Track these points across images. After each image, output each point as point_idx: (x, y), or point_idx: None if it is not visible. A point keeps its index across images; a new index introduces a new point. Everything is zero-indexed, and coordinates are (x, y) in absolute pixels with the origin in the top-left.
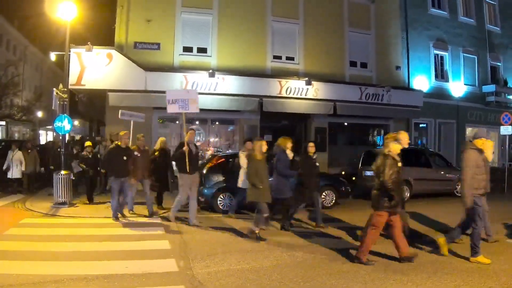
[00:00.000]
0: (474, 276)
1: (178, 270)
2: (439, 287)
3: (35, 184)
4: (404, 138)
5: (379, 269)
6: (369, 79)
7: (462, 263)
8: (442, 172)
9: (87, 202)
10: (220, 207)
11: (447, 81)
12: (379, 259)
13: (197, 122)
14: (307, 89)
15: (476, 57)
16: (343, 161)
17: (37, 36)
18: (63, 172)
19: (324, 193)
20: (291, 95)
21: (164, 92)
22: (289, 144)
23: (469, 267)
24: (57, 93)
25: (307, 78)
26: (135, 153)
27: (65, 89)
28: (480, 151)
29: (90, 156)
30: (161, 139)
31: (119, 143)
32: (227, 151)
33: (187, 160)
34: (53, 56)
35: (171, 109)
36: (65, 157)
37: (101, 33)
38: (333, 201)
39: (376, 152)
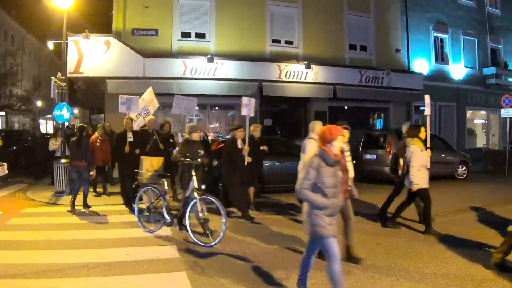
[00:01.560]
0: (473, 258)
1: (179, 257)
2: (441, 271)
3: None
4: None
5: (381, 252)
6: (369, 62)
7: None
8: (443, 155)
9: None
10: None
11: (447, 63)
12: (380, 243)
13: (197, 108)
14: (307, 72)
15: (476, 39)
16: None
17: (34, 25)
18: (63, 160)
19: None
20: (290, 79)
21: (163, 78)
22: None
23: None
24: (55, 81)
25: (306, 62)
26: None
27: (64, 78)
28: None
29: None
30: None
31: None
32: (227, 136)
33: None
34: (50, 44)
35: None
36: (64, 146)
37: (98, 20)
38: None
39: (377, 135)
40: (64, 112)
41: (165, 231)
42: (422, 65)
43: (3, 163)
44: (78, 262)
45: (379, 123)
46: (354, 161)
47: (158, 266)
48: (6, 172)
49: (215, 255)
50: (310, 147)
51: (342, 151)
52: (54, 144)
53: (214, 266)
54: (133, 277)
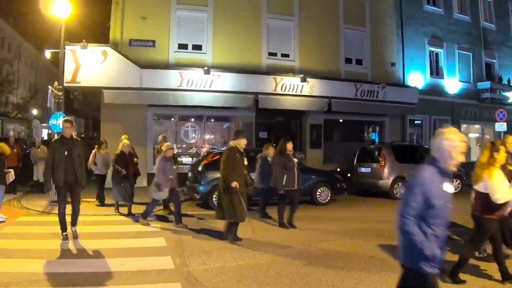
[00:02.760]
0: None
1: (174, 268)
2: None
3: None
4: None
5: (374, 266)
6: (364, 76)
7: None
8: None
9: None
10: (216, 203)
11: (442, 78)
12: (374, 256)
13: (192, 119)
14: (302, 86)
15: (471, 54)
16: (339, 157)
17: (32, 34)
18: None
19: (319, 190)
20: (286, 92)
21: (159, 89)
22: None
23: None
24: (52, 90)
25: (302, 75)
26: None
27: (60, 87)
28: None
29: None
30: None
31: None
32: (222, 148)
33: None
34: (48, 53)
35: None
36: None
37: (96, 30)
38: (329, 198)
39: (372, 149)
40: (60, 121)
41: (160, 242)
42: (417, 79)
43: (10, 170)
44: (73, 272)
45: (374, 137)
46: (349, 174)
47: (153, 276)
48: (13, 178)
49: (211, 267)
50: None
51: None
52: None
53: (208, 277)
54: (127, 287)
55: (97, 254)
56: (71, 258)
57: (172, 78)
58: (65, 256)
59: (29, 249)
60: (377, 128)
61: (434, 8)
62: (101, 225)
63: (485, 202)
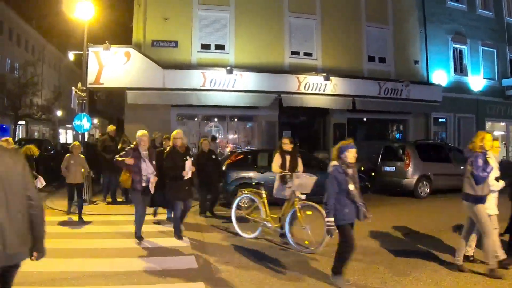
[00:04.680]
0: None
1: (197, 267)
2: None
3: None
4: None
5: (398, 265)
6: (388, 74)
7: None
8: (462, 168)
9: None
10: (240, 203)
11: (466, 75)
12: (400, 254)
13: (215, 119)
14: (326, 84)
15: (495, 50)
16: (363, 156)
17: (55, 36)
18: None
19: None
20: (309, 91)
21: (182, 89)
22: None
23: None
24: (76, 92)
25: (325, 74)
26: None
27: (84, 88)
28: None
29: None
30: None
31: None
32: (246, 148)
33: None
34: (71, 55)
35: None
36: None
37: (118, 31)
38: None
39: (396, 147)
40: (84, 122)
41: (184, 242)
42: (441, 76)
43: (38, 175)
44: (96, 271)
45: (398, 135)
46: (373, 173)
47: (176, 276)
48: (44, 183)
49: (235, 266)
50: None
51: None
52: None
53: (232, 276)
54: (150, 286)
55: (121, 254)
56: (95, 258)
57: (195, 78)
58: (89, 255)
59: (53, 248)
60: (401, 127)
61: (457, 4)
62: (124, 225)
63: None
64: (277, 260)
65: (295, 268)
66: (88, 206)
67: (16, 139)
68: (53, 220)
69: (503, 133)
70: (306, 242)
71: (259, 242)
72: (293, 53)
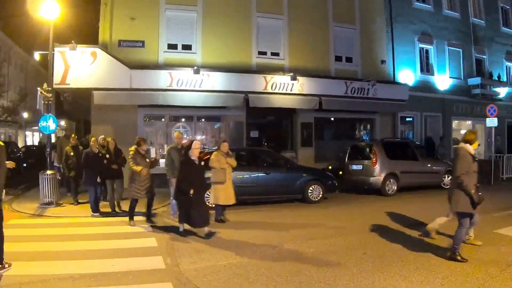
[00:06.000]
0: (463, 266)
1: (165, 267)
2: (428, 279)
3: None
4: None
5: (367, 262)
6: (355, 73)
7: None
8: (429, 165)
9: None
10: (207, 203)
11: (432, 74)
12: (367, 252)
13: (182, 119)
14: (293, 84)
15: (461, 50)
16: (330, 155)
17: (21, 36)
18: (49, 172)
19: (311, 188)
20: (276, 91)
21: (149, 89)
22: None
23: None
24: (41, 92)
25: (292, 74)
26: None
27: (50, 89)
28: None
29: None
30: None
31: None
32: (213, 148)
33: None
34: (37, 55)
35: None
36: (50, 157)
37: (85, 31)
38: (320, 196)
39: (363, 146)
40: (50, 123)
41: (151, 242)
42: (407, 76)
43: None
44: (63, 273)
45: (365, 134)
46: (340, 172)
47: (144, 277)
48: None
49: (202, 266)
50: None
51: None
52: None
53: (199, 276)
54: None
55: (88, 255)
56: (62, 260)
57: (162, 79)
58: (56, 258)
59: (20, 251)
60: (368, 126)
61: (423, 5)
62: (92, 227)
63: None
64: (245, 257)
65: (263, 265)
66: (55, 208)
67: None
68: (18, 223)
69: None
70: None
71: (226, 240)
72: (260, 53)
